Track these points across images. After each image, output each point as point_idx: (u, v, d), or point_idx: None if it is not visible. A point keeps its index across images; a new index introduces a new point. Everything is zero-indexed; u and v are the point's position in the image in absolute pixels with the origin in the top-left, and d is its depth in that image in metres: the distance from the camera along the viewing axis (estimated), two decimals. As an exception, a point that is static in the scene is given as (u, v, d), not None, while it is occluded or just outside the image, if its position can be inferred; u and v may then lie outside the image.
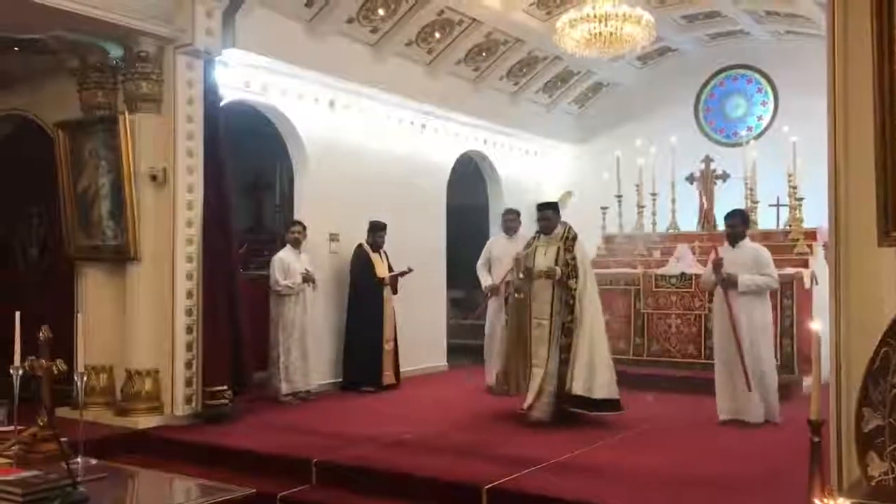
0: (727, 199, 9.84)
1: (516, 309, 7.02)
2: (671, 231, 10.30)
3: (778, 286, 7.32)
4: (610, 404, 6.74)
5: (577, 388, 6.62)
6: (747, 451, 5.99)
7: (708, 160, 10.36)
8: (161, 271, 6.97)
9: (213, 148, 7.16)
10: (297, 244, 8.33)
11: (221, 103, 7.36)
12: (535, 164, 12.40)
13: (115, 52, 7.02)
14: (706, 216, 10.15)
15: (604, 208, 10.34)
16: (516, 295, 7.03)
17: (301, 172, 9.00)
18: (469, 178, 11.58)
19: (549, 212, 7.21)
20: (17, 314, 3.81)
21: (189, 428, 6.75)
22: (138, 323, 6.98)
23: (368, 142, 9.49)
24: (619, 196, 10.12)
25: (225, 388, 7.05)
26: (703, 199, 10.23)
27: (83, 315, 7.07)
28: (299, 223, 8.47)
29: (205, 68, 7.13)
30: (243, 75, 8.02)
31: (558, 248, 6.93)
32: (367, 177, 9.31)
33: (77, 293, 7.36)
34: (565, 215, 7.99)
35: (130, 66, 6.95)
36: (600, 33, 7.65)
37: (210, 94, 7.17)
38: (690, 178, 10.37)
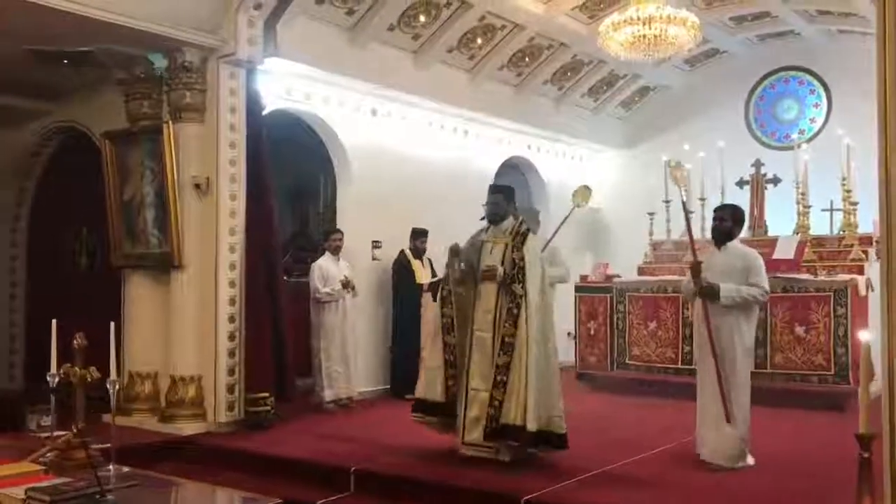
0: (778, 204, 9.58)
1: (456, 316, 5.87)
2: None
3: (767, 299, 5.93)
4: (551, 439, 5.57)
5: (511, 416, 5.43)
6: (789, 463, 5.77)
7: (758, 164, 10.09)
8: (205, 278, 7.02)
9: (256, 156, 7.20)
10: (337, 251, 8.33)
11: (264, 112, 7.41)
12: (580, 170, 12.25)
13: (160, 62, 7.11)
14: (756, 221, 9.89)
15: (651, 214, 10.15)
16: (454, 289, 5.86)
17: (343, 180, 9.01)
18: (514, 185, 11.46)
19: (498, 196, 6.00)
20: (54, 322, 3.84)
21: (231, 435, 6.77)
22: (182, 330, 7.03)
23: (411, 149, 9.47)
24: (667, 201, 9.91)
25: (267, 394, 7.07)
26: (754, 204, 9.97)
27: (129, 321, 7.25)
28: (339, 231, 8.47)
29: (247, 77, 7.18)
30: (285, 84, 8.05)
31: (506, 245, 5.83)
32: (410, 183, 9.28)
33: (123, 300, 7.45)
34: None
35: (174, 77, 7.02)
36: (644, 36, 7.52)
37: (252, 103, 7.22)
38: (740, 183, 10.12)
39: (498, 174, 10.73)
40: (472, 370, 5.69)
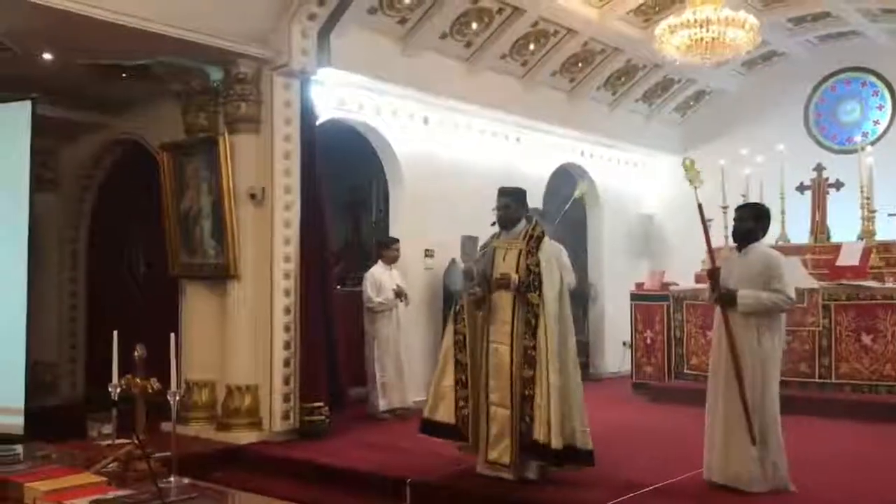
0: (841, 209, 9.31)
1: (470, 326, 5.59)
2: (781, 243, 9.80)
3: (791, 306, 5.34)
4: (578, 456, 5.32)
5: (536, 433, 5.16)
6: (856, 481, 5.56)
7: (820, 168, 9.84)
8: (260, 288, 7.07)
9: (310, 166, 7.24)
10: (394, 261, 8.32)
11: (317, 122, 7.44)
12: (635, 176, 12.12)
13: (216, 75, 7.20)
14: (818, 227, 9.64)
15: (708, 220, 9.95)
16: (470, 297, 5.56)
17: (396, 189, 9.02)
18: (568, 191, 11.36)
19: (508, 199, 5.69)
20: (115, 333, 3.88)
21: (286, 444, 6.81)
22: (238, 339, 7.09)
23: (463, 157, 9.44)
24: (725, 207, 9.71)
25: (322, 404, 7.08)
26: (816, 210, 9.72)
27: (186, 331, 7.33)
28: (398, 241, 8.46)
29: (301, 88, 7.23)
30: (338, 94, 8.08)
31: (519, 251, 5.54)
32: (462, 192, 9.23)
33: (180, 310, 7.54)
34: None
35: (230, 89, 7.10)
36: (702, 39, 7.40)
37: (306, 114, 7.26)
38: (801, 188, 9.88)
39: (551, 182, 10.65)
40: (490, 385, 5.40)
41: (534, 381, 5.20)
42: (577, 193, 8.34)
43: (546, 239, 5.57)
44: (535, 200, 10.38)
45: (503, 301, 5.45)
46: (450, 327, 5.70)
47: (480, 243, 5.75)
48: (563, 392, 5.24)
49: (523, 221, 5.66)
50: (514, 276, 5.41)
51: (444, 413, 5.56)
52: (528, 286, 5.35)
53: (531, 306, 5.31)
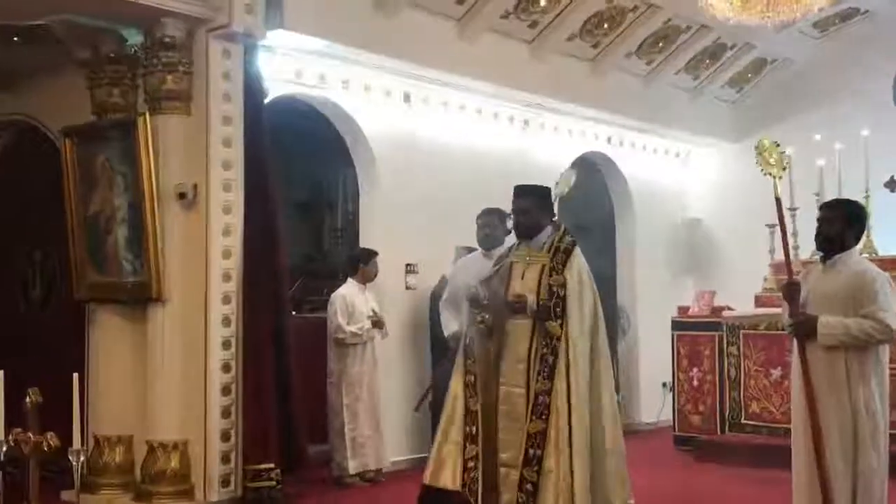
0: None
1: (482, 364, 5.55)
2: (865, 254, 9.82)
3: (891, 338, 5.00)
4: None
5: None
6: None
7: (916, 158, 9.92)
8: (191, 315, 7.03)
9: (257, 157, 7.22)
10: (369, 279, 8.32)
11: (267, 100, 7.43)
12: (677, 169, 12.14)
13: (134, 38, 7.18)
14: (913, 233, 9.68)
15: (771, 226, 9.95)
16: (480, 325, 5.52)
17: (368, 186, 9.02)
18: (588, 189, 11.38)
19: (527, 201, 5.68)
20: (0, 373, 3.83)
21: (226, 518, 6.76)
22: (163, 381, 7.03)
23: (455, 145, 9.45)
24: (794, 209, 9.73)
25: (272, 466, 7.04)
26: (911, 211, 9.78)
27: (95, 371, 7.28)
28: (375, 252, 8.44)
29: (245, 56, 7.21)
30: (294, 64, 8.08)
31: (542, 267, 5.50)
32: (454, 190, 9.22)
33: (88, 343, 7.48)
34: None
35: (152, 57, 7.07)
36: (762, -9, 7.42)
37: (252, 89, 7.25)
38: (890, 184, 9.93)
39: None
40: (501, 440, 5.37)
41: (544, 437, 5.15)
42: (559, 189, 8.24)
43: (577, 252, 5.52)
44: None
45: (519, 331, 5.41)
46: (459, 367, 5.65)
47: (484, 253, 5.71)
48: (593, 454, 5.19)
49: (549, 229, 5.64)
50: (532, 298, 5.36)
51: (449, 477, 5.50)
52: (550, 312, 5.29)
53: (550, 338, 5.26)
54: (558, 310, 5.29)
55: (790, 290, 5.15)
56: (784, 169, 5.50)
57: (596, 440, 5.26)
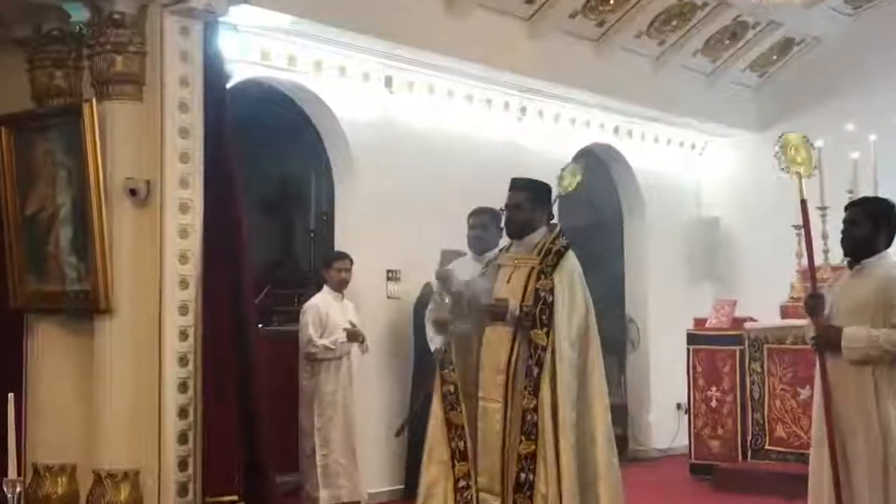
0: None
1: (462, 374, 5.68)
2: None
3: None
4: None
5: None
6: None
7: (960, 151, 9.98)
8: (143, 328, 7.00)
9: (218, 149, 7.21)
10: (343, 286, 8.34)
11: (229, 84, 7.44)
12: (692, 163, 12.20)
13: (79, 14, 7.15)
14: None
15: (797, 227, 10.01)
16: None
17: (345, 183, 9.08)
18: (592, 185, 11.42)
19: (521, 196, 5.76)
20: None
21: (183, 557, 6.77)
22: (111, 403, 6.99)
23: (442, 136, 9.52)
24: (823, 209, 9.78)
25: (235, 498, 7.04)
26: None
27: (35, 391, 7.26)
28: (347, 257, 8.46)
29: (205, 35, 7.18)
30: (261, 43, 8.11)
31: (531, 270, 5.58)
32: (441, 187, 9.25)
33: (25, 360, 7.47)
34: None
35: (100, 35, 7.02)
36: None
37: (213, 72, 7.23)
38: (931, 180, 10.00)
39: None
40: (479, 464, 5.47)
41: (534, 459, 5.19)
42: (564, 184, 8.23)
43: (569, 255, 5.58)
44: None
45: (498, 339, 5.48)
46: (436, 379, 5.73)
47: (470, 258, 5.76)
48: (582, 480, 5.22)
49: (543, 229, 5.69)
50: (514, 303, 5.41)
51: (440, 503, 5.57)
52: (534, 319, 5.33)
53: (535, 349, 5.31)
54: (544, 317, 5.37)
55: (813, 304, 5.21)
56: (815, 168, 5.52)
57: (587, 463, 5.31)
